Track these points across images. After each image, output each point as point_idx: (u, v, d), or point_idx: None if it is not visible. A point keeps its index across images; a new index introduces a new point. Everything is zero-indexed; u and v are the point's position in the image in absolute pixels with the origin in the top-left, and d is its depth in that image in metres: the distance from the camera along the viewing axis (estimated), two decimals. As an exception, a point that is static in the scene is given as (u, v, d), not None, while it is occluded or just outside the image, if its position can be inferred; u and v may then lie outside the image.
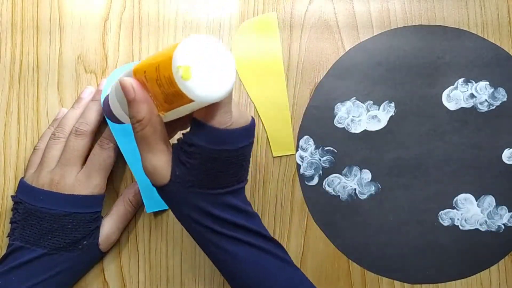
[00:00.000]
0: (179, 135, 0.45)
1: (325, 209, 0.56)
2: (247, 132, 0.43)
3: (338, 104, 0.56)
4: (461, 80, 0.57)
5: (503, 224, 0.56)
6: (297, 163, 0.56)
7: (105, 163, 0.52)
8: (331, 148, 0.56)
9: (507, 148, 0.56)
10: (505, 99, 0.57)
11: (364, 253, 0.56)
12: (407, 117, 0.57)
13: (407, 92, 0.57)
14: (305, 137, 0.56)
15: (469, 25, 0.57)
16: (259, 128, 0.56)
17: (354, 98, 0.56)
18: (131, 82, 0.40)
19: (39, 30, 0.56)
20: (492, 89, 0.57)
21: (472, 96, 0.57)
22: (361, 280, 0.56)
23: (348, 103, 0.57)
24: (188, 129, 0.43)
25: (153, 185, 0.44)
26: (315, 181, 0.56)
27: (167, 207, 0.55)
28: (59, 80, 0.55)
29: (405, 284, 0.56)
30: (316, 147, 0.56)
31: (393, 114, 0.57)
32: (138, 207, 0.55)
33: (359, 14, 0.57)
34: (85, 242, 0.51)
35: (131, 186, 0.54)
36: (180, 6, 0.57)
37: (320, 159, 0.56)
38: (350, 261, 0.56)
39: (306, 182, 0.56)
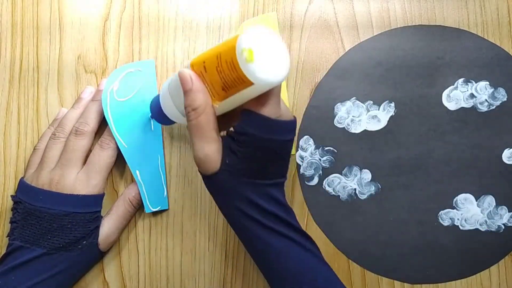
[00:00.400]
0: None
1: (325, 209, 0.56)
2: (293, 126, 0.45)
3: (338, 104, 0.56)
4: (461, 80, 0.57)
5: (503, 224, 0.56)
6: (297, 163, 0.56)
7: (105, 163, 0.52)
8: (331, 148, 0.56)
9: (507, 148, 0.56)
10: (505, 99, 0.57)
11: (364, 253, 0.56)
12: (407, 117, 0.57)
13: (407, 92, 0.57)
14: (305, 137, 0.56)
15: (469, 25, 0.57)
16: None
17: (354, 98, 0.56)
18: (189, 73, 0.43)
19: (39, 30, 0.56)
20: (492, 89, 0.57)
21: (472, 96, 0.57)
22: (361, 280, 0.56)
23: (348, 103, 0.57)
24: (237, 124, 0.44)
25: (203, 174, 0.45)
26: (315, 181, 0.56)
27: (166, 207, 0.55)
28: (59, 80, 0.55)
29: (405, 284, 0.56)
30: (316, 147, 0.56)
31: (393, 114, 0.57)
32: (138, 207, 0.55)
33: (359, 14, 0.57)
34: (84, 242, 0.51)
35: (131, 186, 0.54)
36: (180, 6, 0.57)
37: (320, 159, 0.56)
38: (350, 261, 0.56)
39: (306, 182, 0.56)
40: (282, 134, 0.44)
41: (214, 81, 0.42)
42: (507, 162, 0.56)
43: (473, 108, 0.57)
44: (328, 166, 0.56)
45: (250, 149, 0.42)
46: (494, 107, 0.57)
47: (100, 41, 0.56)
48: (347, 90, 0.56)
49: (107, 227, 0.52)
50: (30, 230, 0.50)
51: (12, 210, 0.52)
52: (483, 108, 0.57)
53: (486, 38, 0.57)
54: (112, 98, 0.52)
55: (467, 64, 0.57)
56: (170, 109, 0.48)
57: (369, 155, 0.56)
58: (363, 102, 0.57)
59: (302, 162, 0.56)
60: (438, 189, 0.56)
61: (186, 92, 0.43)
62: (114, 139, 0.52)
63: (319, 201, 0.56)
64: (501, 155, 0.56)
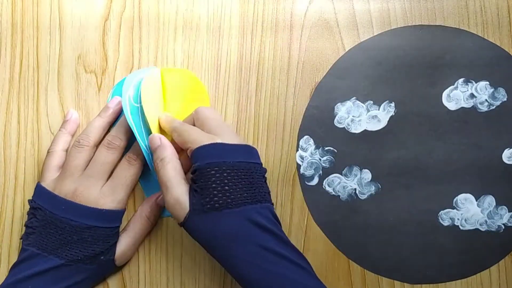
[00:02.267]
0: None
1: (325, 209, 0.56)
2: (241, 149, 0.47)
3: (338, 104, 0.56)
4: (461, 80, 0.57)
5: (503, 224, 0.56)
6: (297, 163, 0.56)
7: (131, 179, 0.52)
8: (331, 148, 0.56)
9: (507, 148, 0.56)
10: (505, 99, 0.57)
11: (364, 253, 0.56)
12: (407, 117, 0.57)
13: (407, 92, 0.57)
14: (305, 137, 0.56)
15: (469, 25, 0.57)
16: (259, 131, 0.56)
17: (354, 98, 0.56)
18: (158, 135, 0.50)
19: (39, 30, 0.56)
20: (492, 89, 0.57)
21: (472, 96, 0.57)
22: (361, 280, 0.56)
23: (348, 103, 0.57)
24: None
25: (177, 218, 0.47)
26: (315, 181, 0.56)
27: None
28: (59, 80, 0.55)
29: (405, 284, 0.56)
30: (316, 147, 0.56)
31: (393, 114, 0.57)
32: (155, 223, 0.54)
33: (359, 14, 0.57)
34: (102, 258, 0.50)
35: (146, 202, 0.54)
36: (180, 6, 0.57)
37: (320, 159, 0.56)
38: (350, 261, 0.56)
39: (306, 182, 0.56)
40: (225, 156, 0.46)
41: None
42: (507, 162, 0.56)
43: (473, 108, 0.57)
44: (328, 166, 0.56)
45: (200, 181, 0.45)
46: (494, 107, 0.57)
47: (100, 41, 0.56)
48: (347, 90, 0.56)
49: (124, 244, 0.52)
50: (49, 239, 0.49)
51: (28, 214, 0.51)
52: (483, 108, 0.57)
53: (486, 38, 0.57)
54: (130, 104, 0.52)
55: (467, 64, 0.57)
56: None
57: (369, 155, 0.56)
58: (363, 102, 0.57)
59: (302, 162, 0.56)
60: (438, 189, 0.56)
61: (154, 150, 0.49)
62: (140, 155, 0.52)
63: (319, 201, 0.56)
64: (501, 155, 0.56)
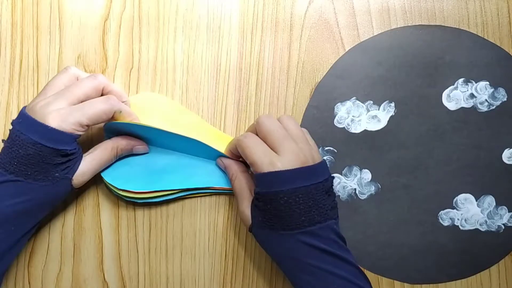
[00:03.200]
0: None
1: None
2: (296, 172, 0.47)
3: (338, 104, 0.56)
4: (461, 80, 0.57)
5: (503, 224, 0.56)
6: None
7: (96, 112, 0.48)
8: (331, 148, 0.56)
9: (507, 148, 0.56)
10: (505, 99, 0.57)
11: (364, 253, 0.56)
12: (407, 117, 0.57)
13: (407, 92, 0.57)
14: None
15: (469, 25, 0.57)
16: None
17: (354, 98, 0.56)
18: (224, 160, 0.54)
19: (39, 29, 0.56)
20: (492, 89, 0.57)
21: (472, 96, 0.57)
22: (361, 280, 0.56)
23: (348, 103, 0.57)
24: None
25: (247, 227, 0.51)
26: None
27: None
28: (59, 80, 0.55)
29: (405, 284, 0.56)
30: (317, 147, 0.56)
31: (393, 114, 0.57)
32: (120, 155, 0.53)
33: (359, 14, 0.57)
34: (56, 175, 0.48)
35: (123, 138, 0.53)
36: (180, 6, 0.57)
37: None
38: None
39: None
40: (284, 184, 0.46)
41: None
42: (507, 162, 0.56)
43: (473, 108, 0.57)
44: (328, 166, 0.56)
45: (262, 204, 0.48)
46: (494, 107, 0.57)
47: (100, 41, 0.56)
48: (347, 90, 0.56)
49: (85, 166, 0.50)
50: (4, 153, 0.47)
51: None
52: (483, 108, 0.57)
53: (486, 38, 0.57)
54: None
55: (467, 64, 0.57)
56: None
57: (369, 155, 0.56)
58: (363, 102, 0.56)
59: None
60: (438, 189, 0.56)
61: (225, 170, 0.55)
62: (118, 102, 0.50)
63: None
64: (501, 155, 0.56)
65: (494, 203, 0.56)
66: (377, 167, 0.56)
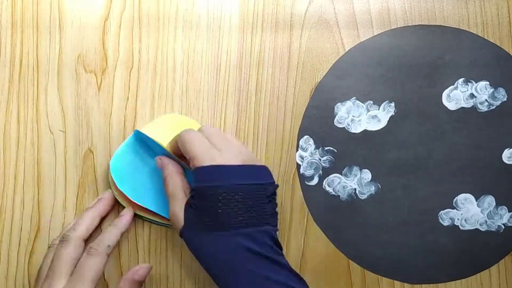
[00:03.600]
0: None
1: (325, 209, 0.56)
2: (243, 171, 0.46)
3: (338, 104, 0.56)
4: (461, 80, 0.57)
5: (503, 224, 0.56)
6: (297, 163, 0.56)
7: (92, 272, 0.47)
8: (331, 148, 0.56)
9: (507, 148, 0.56)
10: (505, 99, 0.57)
11: (364, 253, 0.56)
12: (407, 117, 0.57)
13: (407, 92, 0.57)
14: (305, 137, 0.56)
15: (469, 25, 0.57)
16: (259, 131, 0.56)
17: (354, 98, 0.56)
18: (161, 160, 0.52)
19: (39, 29, 0.56)
20: (492, 89, 0.57)
21: (472, 96, 0.57)
22: (361, 280, 0.56)
23: (348, 103, 0.57)
24: None
25: (177, 230, 0.48)
26: (315, 181, 0.56)
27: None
28: (59, 79, 0.55)
29: (405, 284, 0.56)
30: (316, 147, 0.56)
31: (393, 114, 0.57)
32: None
33: (359, 14, 0.57)
34: None
35: (123, 279, 0.50)
36: (180, 5, 0.57)
37: (320, 159, 0.56)
38: (350, 261, 0.56)
39: (306, 182, 0.56)
40: (225, 178, 0.45)
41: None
42: (507, 162, 0.56)
43: (473, 108, 0.57)
44: (328, 166, 0.56)
45: (197, 202, 0.46)
46: (494, 107, 0.57)
47: (100, 40, 0.56)
48: (347, 90, 0.56)
49: None
50: None
51: None
52: (483, 108, 0.57)
53: (486, 38, 0.57)
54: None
55: (467, 64, 0.57)
56: None
57: (369, 155, 0.56)
58: (363, 102, 0.57)
59: (302, 162, 0.56)
60: (438, 189, 0.56)
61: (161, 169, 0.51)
62: (103, 245, 0.48)
63: (319, 201, 0.56)
64: (501, 155, 0.56)
65: (494, 203, 0.56)
66: (377, 167, 0.56)
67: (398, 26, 0.57)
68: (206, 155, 0.46)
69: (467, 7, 0.57)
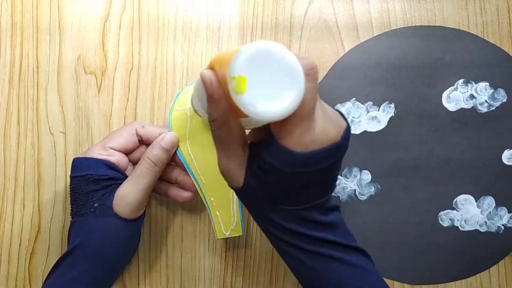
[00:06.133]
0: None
1: None
2: (331, 152, 0.37)
3: (338, 105, 0.56)
4: (461, 81, 0.57)
5: (503, 225, 0.56)
6: None
7: (118, 131, 0.51)
8: None
9: (507, 149, 0.56)
10: (505, 100, 0.56)
11: None
12: (407, 118, 0.57)
13: (407, 93, 0.57)
14: None
15: (469, 25, 0.57)
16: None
17: (354, 99, 0.56)
18: (209, 77, 0.35)
19: (38, 31, 0.56)
20: (492, 90, 0.56)
21: (472, 97, 0.56)
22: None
23: (348, 104, 0.56)
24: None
25: (229, 185, 0.41)
26: None
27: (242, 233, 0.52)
28: (58, 81, 0.55)
29: (405, 284, 0.56)
30: None
31: (393, 115, 0.57)
32: (160, 166, 0.50)
33: (359, 15, 0.57)
34: (95, 205, 0.48)
35: (152, 145, 0.50)
36: (179, 6, 0.57)
37: None
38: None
39: None
40: (314, 164, 0.37)
41: (226, 94, 0.34)
42: (507, 163, 0.56)
43: (473, 109, 0.57)
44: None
45: (272, 179, 0.38)
46: (494, 108, 0.56)
47: (100, 42, 0.56)
48: (346, 90, 0.56)
49: (123, 187, 0.49)
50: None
51: None
52: (483, 109, 0.57)
53: (486, 39, 0.57)
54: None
55: (467, 65, 0.56)
56: (200, 109, 0.45)
57: (369, 156, 0.56)
58: (363, 103, 0.56)
59: None
60: (438, 190, 0.56)
61: (207, 98, 0.37)
62: (140, 123, 0.51)
63: None
64: (501, 156, 0.56)
65: (494, 204, 0.56)
66: (377, 168, 0.56)
67: (398, 27, 0.57)
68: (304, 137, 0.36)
69: (467, 7, 0.57)
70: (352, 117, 0.56)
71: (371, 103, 0.56)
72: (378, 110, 0.56)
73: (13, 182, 0.55)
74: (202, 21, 0.57)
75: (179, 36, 0.56)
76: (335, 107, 0.56)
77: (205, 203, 0.51)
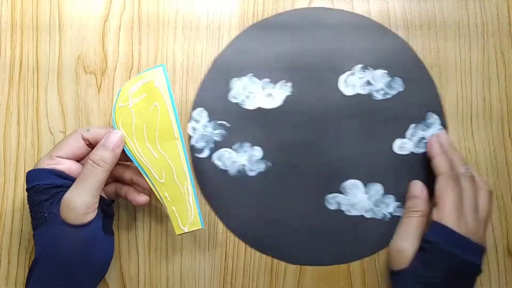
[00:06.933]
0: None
1: (213, 183, 0.55)
2: (481, 251, 0.48)
3: (235, 78, 0.56)
4: (359, 66, 0.56)
5: (389, 213, 0.55)
6: (189, 134, 0.56)
7: (64, 140, 0.50)
8: (224, 122, 0.55)
9: (398, 137, 0.56)
10: (401, 89, 0.56)
11: (251, 231, 0.55)
12: (303, 98, 0.56)
13: (305, 73, 0.56)
14: (199, 109, 0.56)
15: (469, 25, 0.57)
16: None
17: (251, 74, 0.56)
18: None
19: (38, 30, 0.56)
20: (390, 78, 0.56)
21: (368, 83, 0.56)
22: (361, 280, 0.56)
23: (245, 79, 0.56)
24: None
25: (390, 265, 0.51)
26: (206, 153, 0.55)
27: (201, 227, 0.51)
28: (58, 80, 0.56)
29: (286, 263, 0.55)
30: (209, 120, 0.56)
31: (290, 94, 0.56)
32: (104, 165, 0.48)
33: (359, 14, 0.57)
34: (45, 214, 0.47)
35: (96, 146, 0.49)
36: (179, 6, 0.57)
37: (212, 132, 0.56)
38: (350, 262, 0.56)
39: (195, 154, 0.55)
40: (468, 253, 0.46)
41: None
42: (398, 152, 0.56)
43: (369, 95, 0.56)
44: (219, 139, 0.55)
45: (431, 256, 0.47)
46: (389, 96, 0.55)
47: (99, 41, 0.56)
48: (245, 65, 0.56)
49: (68, 193, 0.47)
50: None
51: None
52: (379, 96, 0.56)
53: (486, 38, 0.57)
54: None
55: (367, 52, 0.56)
56: None
57: (261, 133, 0.55)
58: (260, 79, 0.56)
59: (194, 133, 0.56)
60: (327, 172, 0.55)
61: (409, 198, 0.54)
62: (84, 128, 0.50)
63: (208, 173, 0.55)
64: (392, 144, 0.56)
65: (382, 192, 0.55)
66: (268, 146, 0.55)
67: (398, 27, 0.57)
68: (452, 217, 0.48)
69: (467, 7, 0.57)
70: (248, 92, 0.56)
71: (268, 80, 0.56)
72: (274, 88, 0.56)
73: (13, 182, 0.55)
74: (202, 21, 0.57)
75: (179, 36, 0.56)
76: (232, 81, 0.56)
77: (160, 199, 0.50)
